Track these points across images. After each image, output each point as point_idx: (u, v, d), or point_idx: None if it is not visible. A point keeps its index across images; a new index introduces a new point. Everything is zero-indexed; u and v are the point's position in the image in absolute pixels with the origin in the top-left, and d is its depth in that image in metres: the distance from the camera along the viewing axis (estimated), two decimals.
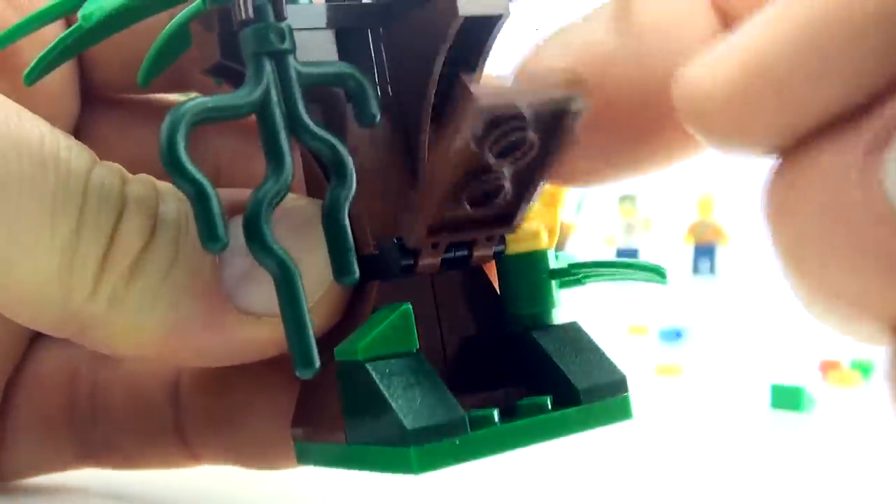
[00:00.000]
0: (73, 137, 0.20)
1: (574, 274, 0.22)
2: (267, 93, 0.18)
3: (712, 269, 1.11)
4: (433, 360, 0.20)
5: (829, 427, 0.38)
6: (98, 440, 0.26)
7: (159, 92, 0.27)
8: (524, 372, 0.21)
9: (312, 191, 0.21)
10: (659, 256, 1.05)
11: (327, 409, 0.20)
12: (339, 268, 0.19)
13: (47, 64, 0.21)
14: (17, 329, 0.26)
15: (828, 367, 0.46)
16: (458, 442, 0.18)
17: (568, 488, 0.29)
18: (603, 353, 0.21)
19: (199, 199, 0.17)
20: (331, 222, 0.19)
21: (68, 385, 0.26)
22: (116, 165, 0.20)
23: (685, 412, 0.40)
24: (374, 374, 0.18)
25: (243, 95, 0.18)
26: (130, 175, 0.20)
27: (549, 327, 0.21)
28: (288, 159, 0.18)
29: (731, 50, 0.14)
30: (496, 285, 0.22)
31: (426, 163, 0.19)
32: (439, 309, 0.21)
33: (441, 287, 0.21)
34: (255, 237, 0.18)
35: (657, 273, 0.22)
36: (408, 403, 0.18)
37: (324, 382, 0.20)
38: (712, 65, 0.15)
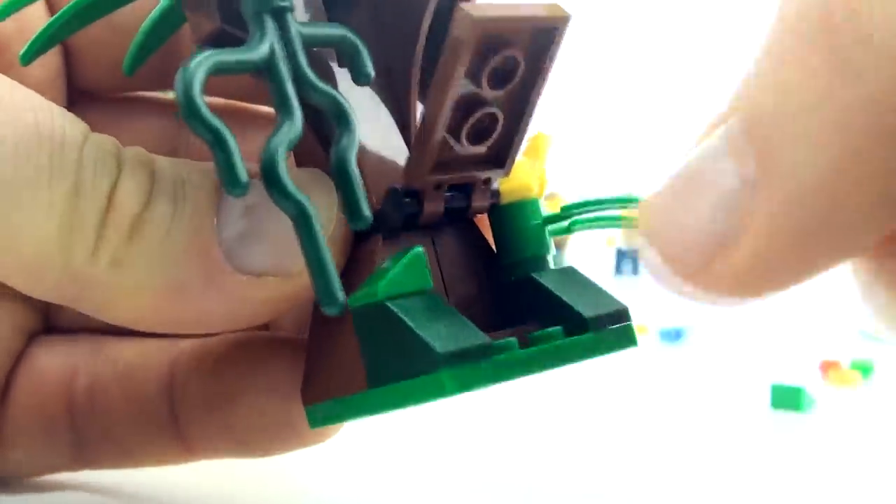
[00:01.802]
0: (66, 111, 0.20)
1: (565, 218, 0.23)
2: (273, 47, 0.19)
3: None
4: None
5: (829, 427, 0.38)
6: (95, 438, 0.26)
7: (146, 87, 0.27)
8: (531, 312, 0.22)
9: (303, 164, 0.22)
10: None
11: (341, 362, 0.20)
12: (351, 212, 0.19)
13: (42, 44, 0.22)
14: (15, 324, 0.27)
15: (828, 366, 0.46)
16: (485, 365, 0.19)
17: (567, 489, 0.29)
18: (601, 289, 0.22)
19: (220, 145, 0.18)
20: (340, 170, 0.19)
21: (67, 383, 0.26)
22: (111, 137, 0.20)
23: (685, 412, 0.40)
24: (396, 309, 0.19)
25: (252, 49, 0.18)
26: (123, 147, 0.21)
27: (546, 271, 0.22)
28: (298, 108, 0.19)
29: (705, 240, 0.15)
30: (490, 241, 0.23)
31: (427, 100, 0.20)
32: (441, 265, 0.22)
33: (440, 241, 0.22)
34: (274, 182, 0.18)
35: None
36: (434, 332, 0.19)
37: (333, 339, 0.20)
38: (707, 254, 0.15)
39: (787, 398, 0.40)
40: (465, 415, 0.37)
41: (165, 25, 0.22)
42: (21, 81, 0.21)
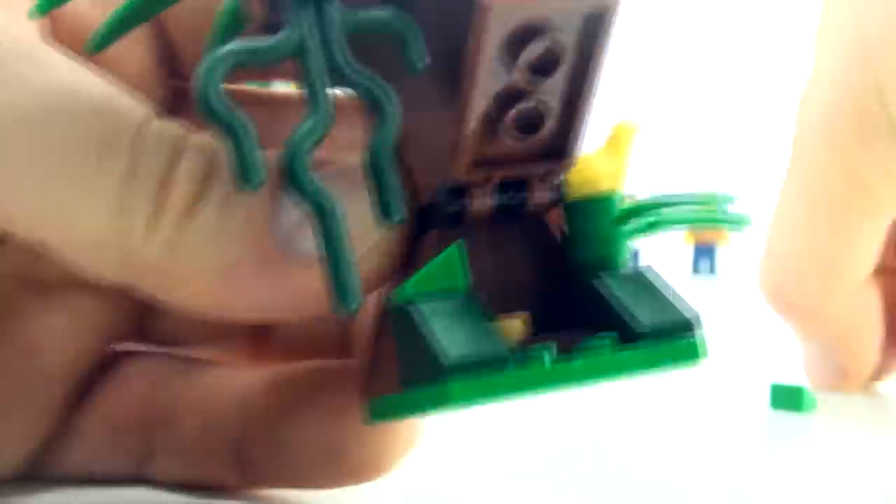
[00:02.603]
0: (131, 93, 0.21)
1: (644, 217, 0.21)
2: (305, 35, 0.18)
3: (712, 269, 1.11)
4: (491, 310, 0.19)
5: (829, 427, 0.38)
6: (162, 452, 0.27)
7: (246, 78, 0.27)
8: (591, 318, 0.20)
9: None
10: (659, 256, 1.05)
11: (385, 362, 0.20)
12: (382, 208, 0.19)
13: (113, 31, 0.21)
14: (97, 325, 0.27)
15: None
16: (501, 377, 0.18)
17: (567, 488, 0.29)
18: (675, 294, 0.20)
19: (232, 138, 0.17)
20: (372, 164, 0.18)
21: (146, 396, 0.27)
22: (178, 122, 0.21)
23: (685, 412, 0.40)
24: (414, 312, 0.18)
25: (282, 39, 0.18)
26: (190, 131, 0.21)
27: (616, 273, 0.20)
28: (327, 101, 0.18)
29: None
30: (558, 238, 0.21)
31: (460, 89, 0.19)
32: (500, 259, 0.21)
33: (502, 238, 0.21)
34: (292, 178, 0.18)
35: (737, 222, 0.21)
36: (448, 338, 0.18)
37: (385, 338, 0.20)
38: None
39: (787, 398, 0.40)
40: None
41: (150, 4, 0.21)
42: (116, 74, 0.21)
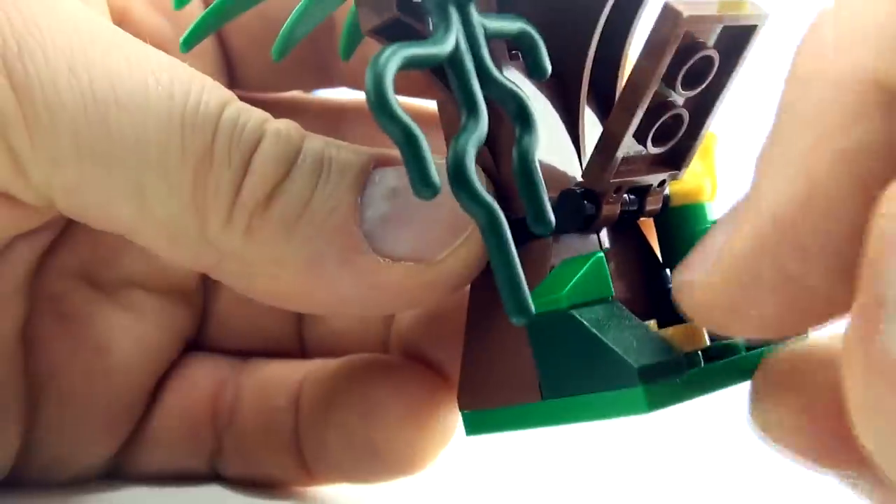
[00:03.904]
0: (210, 79, 0.20)
1: None
2: (458, 41, 0.18)
3: None
4: None
5: None
6: (229, 449, 0.27)
7: (304, 86, 0.28)
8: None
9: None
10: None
11: (510, 370, 0.20)
12: (535, 215, 0.18)
13: (203, 30, 0.21)
14: (175, 329, 0.28)
15: None
16: (678, 381, 0.18)
17: (565, 487, 0.29)
18: None
19: (410, 143, 0.17)
20: (524, 170, 0.18)
21: (214, 395, 0.27)
22: (259, 109, 0.20)
23: (685, 412, 0.40)
24: (583, 319, 0.18)
25: (439, 42, 0.18)
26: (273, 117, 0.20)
27: None
28: (483, 106, 0.18)
29: (708, 258, 0.16)
30: (654, 247, 0.22)
31: (619, 101, 0.19)
32: (619, 266, 0.21)
33: (619, 246, 0.21)
34: (463, 184, 0.17)
35: None
36: (625, 345, 0.18)
37: (499, 345, 0.20)
38: (698, 272, 0.16)
39: None
40: None
41: (318, 9, 0.21)
42: None
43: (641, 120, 0.19)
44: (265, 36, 0.22)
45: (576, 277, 0.18)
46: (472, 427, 0.21)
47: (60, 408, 0.26)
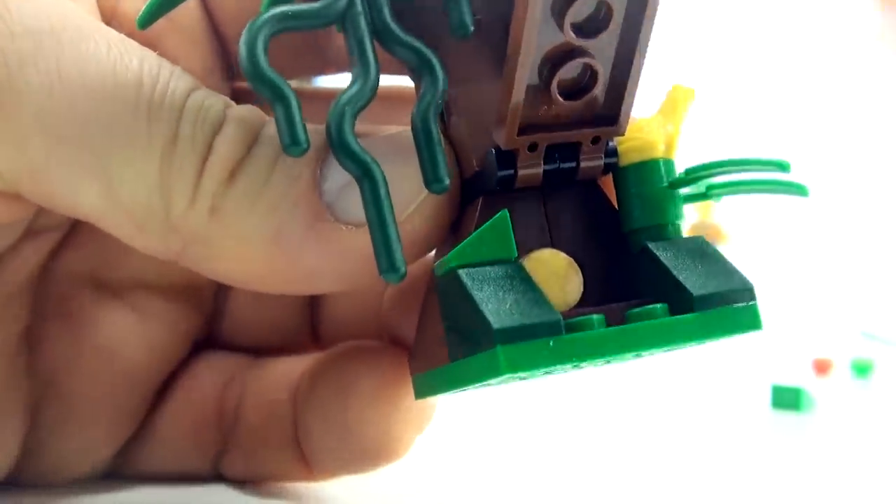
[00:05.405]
0: (177, 67, 0.21)
1: (696, 182, 0.20)
2: (351, 1, 0.18)
3: None
4: None
5: (829, 427, 0.38)
6: (233, 447, 0.27)
7: (298, 74, 0.27)
8: (644, 286, 0.20)
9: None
10: None
11: (433, 333, 0.20)
12: (428, 174, 0.18)
13: (158, 8, 0.21)
14: (181, 329, 0.28)
15: (820, 365, 0.46)
16: (551, 343, 0.17)
17: (566, 488, 0.29)
18: (728, 263, 0.19)
19: (280, 103, 0.17)
20: (420, 127, 0.18)
21: (220, 394, 0.28)
22: (223, 95, 0.21)
23: (685, 412, 0.40)
24: (464, 278, 0.18)
25: (328, 2, 0.18)
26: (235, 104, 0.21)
27: (669, 241, 0.20)
28: (373, 66, 0.18)
29: None
30: (615, 204, 0.21)
31: (508, 51, 0.18)
32: (551, 227, 0.20)
33: (553, 205, 0.20)
34: (338, 141, 0.18)
35: (797, 189, 0.20)
36: (498, 306, 0.17)
37: (433, 310, 0.20)
38: None
39: (787, 398, 0.40)
40: (463, 405, 0.37)
41: None
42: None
43: (541, 70, 0.18)
44: None
45: (471, 237, 0.18)
46: (417, 391, 0.21)
47: (63, 409, 0.26)
